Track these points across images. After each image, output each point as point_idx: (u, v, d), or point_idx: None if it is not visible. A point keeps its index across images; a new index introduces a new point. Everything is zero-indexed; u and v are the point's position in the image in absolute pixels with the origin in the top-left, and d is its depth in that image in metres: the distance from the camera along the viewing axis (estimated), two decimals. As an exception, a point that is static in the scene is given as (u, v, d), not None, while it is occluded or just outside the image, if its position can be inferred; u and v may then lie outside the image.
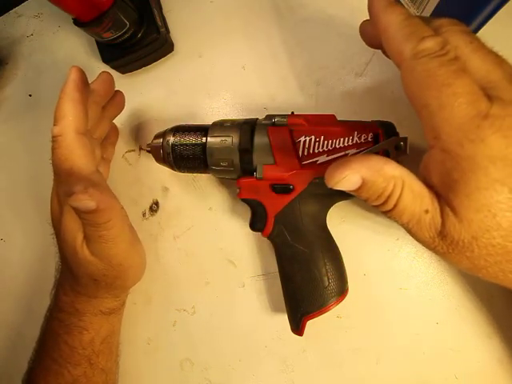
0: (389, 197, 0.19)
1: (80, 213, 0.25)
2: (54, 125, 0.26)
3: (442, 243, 0.18)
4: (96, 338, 0.30)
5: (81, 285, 0.29)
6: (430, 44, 0.18)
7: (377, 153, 0.24)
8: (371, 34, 0.22)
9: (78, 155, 0.26)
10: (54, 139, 0.26)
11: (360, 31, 0.23)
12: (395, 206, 0.19)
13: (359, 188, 0.19)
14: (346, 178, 0.19)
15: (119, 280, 0.29)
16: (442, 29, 0.19)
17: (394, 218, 0.19)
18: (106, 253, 0.27)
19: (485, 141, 0.16)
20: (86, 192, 0.24)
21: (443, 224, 0.18)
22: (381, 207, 0.19)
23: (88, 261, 0.27)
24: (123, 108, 0.35)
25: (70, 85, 0.27)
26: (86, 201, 0.23)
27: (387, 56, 0.21)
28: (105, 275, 0.28)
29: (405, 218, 0.19)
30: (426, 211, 0.18)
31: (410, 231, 0.19)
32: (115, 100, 0.33)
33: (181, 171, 0.31)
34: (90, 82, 0.29)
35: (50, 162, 0.28)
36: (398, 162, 0.24)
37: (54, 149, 0.26)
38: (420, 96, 0.18)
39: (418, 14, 0.30)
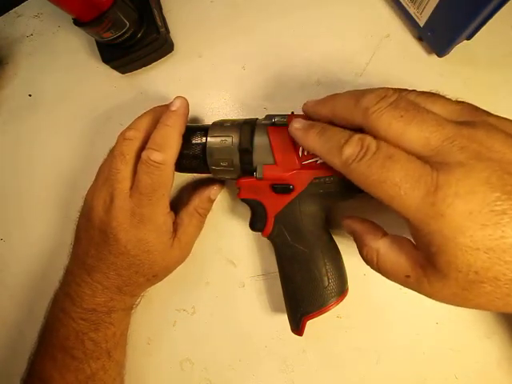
0: (368, 261, 0.22)
1: (207, 204, 0.32)
2: (157, 150, 0.27)
3: (439, 297, 0.19)
4: (117, 332, 0.31)
5: (134, 284, 0.30)
6: (349, 150, 0.19)
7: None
8: None
9: (170, 184, 0.29)
10: (156, 165, 0.27)
11: None
12: (378, 269, 0.21)
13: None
14: (344, 225, 0.25)
15: (168, 272, 0.32)
16: (370, 110, 0.19)
17: (387, 278, 0.21)
18: (189, 243, 0.32)
19: (444, 214, 0.17)
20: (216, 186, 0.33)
21: (431, 282, 0.18)
22: (370, 267, 0.22)
23: (175, 252, 0.31)
24: None
25: (181, 118, 0.29)
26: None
27: None
28: (173, 266, 0.32)
29: (392, 280, 0.21)
30: (407, 276, 0.19)
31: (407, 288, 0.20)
32: None
33: (181, 171, 0.31)
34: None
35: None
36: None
37: (151, 173, 0.27)
38: (370, 192, 0.19)
39: (417, 15, 0.30)
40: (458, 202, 0.16)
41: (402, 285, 0.20)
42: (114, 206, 0.28)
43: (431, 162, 0.18)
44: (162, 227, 0.29)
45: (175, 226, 0.31)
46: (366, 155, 0.19)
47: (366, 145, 0.19)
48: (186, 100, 0.30)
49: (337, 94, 0.24)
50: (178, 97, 0.30)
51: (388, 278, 0.21)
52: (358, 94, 0.21)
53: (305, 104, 0.26)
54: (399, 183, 0.18)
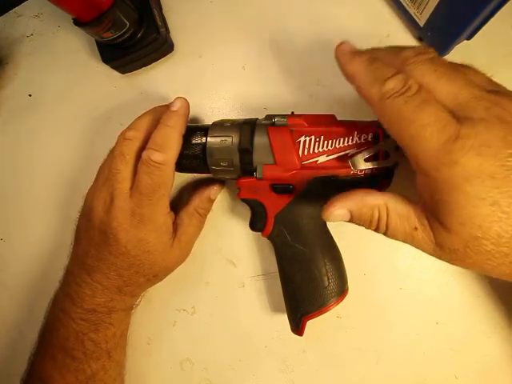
0: (378, 222, 0.21)
1: (207, 204, 0.32)
2: (157, 151, 0.27)
3: (441, 253, 0.20)
4: (117, 332, 0.31)
5: (134, 285, 0.30)
6: (392, 84, 0.19)
7: (377, 153, 0.24)
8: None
9: (171, 184, 0.29)
10: (156, 165, 0.27)
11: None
12: (387, 228, 0.21)
13: (351, 219, 0.22)
14: (336, 212, 0.22)
15: (168, 272, 0.32)
16: (408, 61, 0.21)
17: (392, 238, 0.21)
18: (189, 243, 0.32)
19: (458, 162, 0.17)
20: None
21: (435, 236, 0.19)
22: (377, 231, 0.22)
23: (175, 252, 0.31)
24: None
25: (182, 118, 0.29)
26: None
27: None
28: (173, 266, 0.32)
29: (400, 237, 0.21)
30: (415, 228, 0.20)
31: (412, 246, 0.21)
32: None
33: (181, 171, 0.31)
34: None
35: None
36: (398, 162, 0.24)
37: (151, 173, 0.27)
38: (394, 132, 0.20)
39: (417, 15, 0.30)
40: (472, 152, 0.17)
41: (407, 240, 0.20)
42: (114, 206, 0.28)
43: (457, 116, 0.18)
44: (162, 227, 0.29)
45: (175, 227, 0.31)
46: (406, 92, 0.19)
47: (408, 84, 0.19)
48: (186, 100, 0.30)
49: (375, 48, 0.24)
50: (178, 97, 0.30)
51: (396, 234, 0.21)
52: (399, 48, 0.22)
53: (340, 46, 0.24)
54: (427, 125, 0.18)
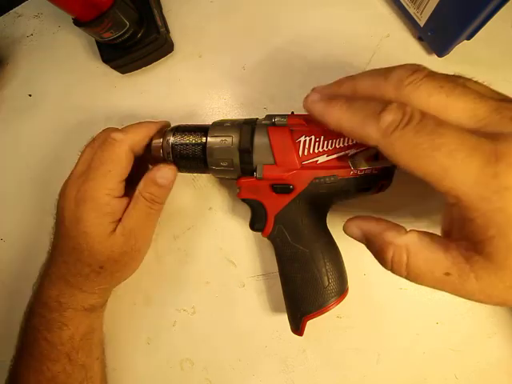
0: (393, 263, 0.18)
1: (153, 188, 0.28)
2: (120, 131, 0.29)
3: (482, 295, 0.16)
4: (76, 335, 0.29)
5: (78, 275, 0.28)
6: (390, 116, 0.17)
7: (377, 153, 0.24)
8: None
9: (121, 165, 0.28)
10: (112, 141, 0.28)
11: None
12: (408, 273, 0.18)
13: (365, 243, 0.20)
14: (351, 230, 0.20)
15: (118, 265, 0.29)
16: (404, 82, 0.18)
17: (416, 283, 0.18)
18: (134, 229, 0.28)
19: (509, 188, 0.14)
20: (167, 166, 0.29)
21: (477, 277, 0.16)
22: (396, 273, 0.18)
23: (118, 239, 0.28)
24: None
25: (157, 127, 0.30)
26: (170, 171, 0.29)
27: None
28: (119, 257, 0.28)
29: (428, 283, 0.17)
30: (447, 274, 0.16)
31: (444, 291, 0.17)
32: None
33: (181, 171, 0.31)
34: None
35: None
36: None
37: (104, 147, 0.28)
38: (416, 167, 0.16)
39: (417, 15, 0.30)
40: None
41: (438, 287, 0.17)
42: (66, 185, 0.28)
43: (482, 133, 0.16)
44: (103, 208, 0.27)
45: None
46: (411, 122, 0.16)
47: (408, 111, 0.16)
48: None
49: (354, 75, 0.21)
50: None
51: (420, 281, 0.17)
52: (385, 70, 0.19)
53: (308, 99, 0.21)
54: (454, 151, 0.15)
